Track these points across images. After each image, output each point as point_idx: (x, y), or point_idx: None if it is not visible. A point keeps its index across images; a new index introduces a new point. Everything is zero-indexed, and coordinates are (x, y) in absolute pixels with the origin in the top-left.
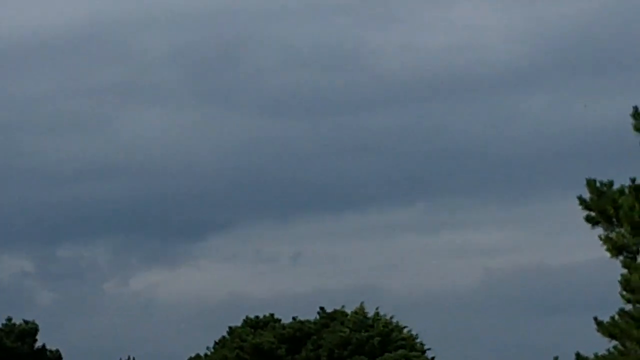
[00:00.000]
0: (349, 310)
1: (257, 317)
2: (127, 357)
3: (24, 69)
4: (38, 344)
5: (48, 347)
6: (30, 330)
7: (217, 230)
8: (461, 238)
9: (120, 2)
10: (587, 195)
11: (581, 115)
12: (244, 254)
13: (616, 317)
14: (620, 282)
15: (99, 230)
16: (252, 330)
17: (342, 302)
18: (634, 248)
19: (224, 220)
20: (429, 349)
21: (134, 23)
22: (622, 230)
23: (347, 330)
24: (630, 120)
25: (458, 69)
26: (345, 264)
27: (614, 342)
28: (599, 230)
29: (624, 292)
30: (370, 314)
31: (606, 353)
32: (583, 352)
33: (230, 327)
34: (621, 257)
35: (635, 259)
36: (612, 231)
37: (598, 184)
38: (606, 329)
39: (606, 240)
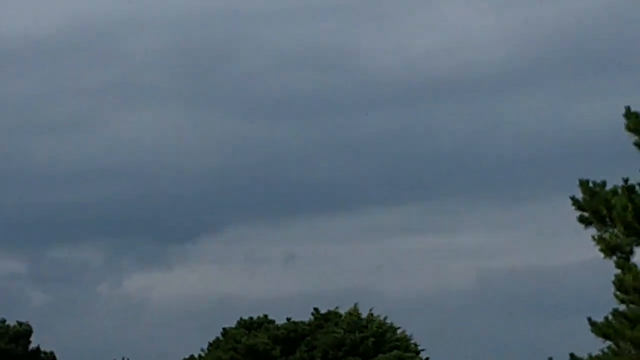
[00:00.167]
0: (342, 311)
1: (251, 318)
2: (120, 359)
3: (17, 70)
4: (32, 346)
5: (42, 348)
6: (24, 332)
7: (210, 231)
8: (455, 239)
9: (113, 4)
10: (579, 195)
11: (573, 116)
12: (237, 256)
13: (610, 317)
14: (614, 283)
15: (91, 232)
16: (246, 331)
17: (336, 303)
18: (628, 248)
19: (217, 222)
20: (423, 350)
21: (127, 25)
22: (616, 230)
23: (341, 331)
24: (623, 120)
25: (451, 71)
26: (338, 265)
27: (608, 343)
28: (592, 231)
29: (618, 293)
30: (364, 314)
31: (600, 354)
32: (577, 353)
33: (224, 329)
34: (615, 258)
35: (628, 259)
36: (605, 232)
37: (591, 185)
38: (600, 329)
39: (599, 240)
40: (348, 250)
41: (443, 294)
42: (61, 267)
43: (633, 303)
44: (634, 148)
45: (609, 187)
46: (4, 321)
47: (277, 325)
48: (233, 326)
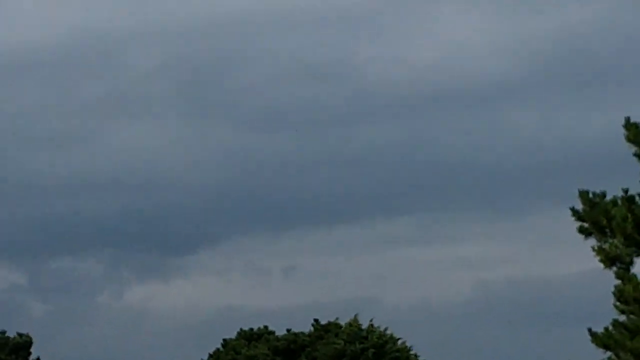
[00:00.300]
0: (343, 322)
1: (251, 329)
2: None
3: (17, 81)
4: (32, 357)
5: None
6: (24, 344)
7: (210, 243)
8: (454, 250)
9: (113, 16)
10: (579, 206)
11: (573, 127)
12: (237, 267)
13: (610, 328)
14: (614, 293)
15: (91, 244)
16: (246, 342)
17: (336, 314)
18: (628, 259)
19: (217, 234)
20: None
21: (127, 37)
22: (615, 241)
23: (342, 342)
24: (622, 131)
25: (448, 83)
26: (338, 277)
27: (609, 353)
28: (592, 242)
29: (618, 303)
30: (365, 325)
31: None
32: None
33: (224, 340)
34: (614, 268)
35: (628, 269)
36: (605, 242)
37: (591, 195)
38: (600, 340)
39: (599, 251)
40: (348, 262)
41: (444, 305)
42: (61, 278)
43: (633, 314)
44: (634, 159)
45: (608, 197)
46: (4, 332)
47: (277, 336)
48: (233, 337)
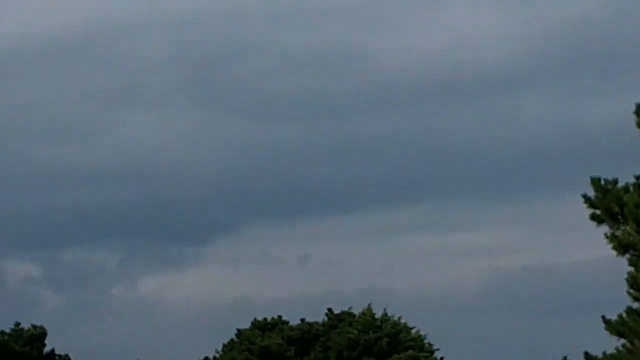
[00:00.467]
0: (356, 312)
1: (265, 319)
2: None
3: (23, 74)
4: (47, 349)
5: (57, 351)
6: (38, 335)
7: (224, 233)
8: (468, 238)
9: (116, 7)
10: (591, 193)
11: (585, 113)
12: (251, 257)
13: (624, 315)
14: (627, 280)
15: (106, 235)
16: (260, 332)
17: (349, 303)
18: None
19: (231, 224)
20: (437, 349)
21: (134, 27)
22: (628, 228)
23: (355, 331)
24: (634, 118)
25: (456, 70)
26: (352, 266)
27: (622, 341)
28: (605, 229)
29: (631, 290)
30: (378, 315)
31: (615, 352)
32: (591, 351)
33: (238, 330)
34: (627, 255)
35: None
36: (617, 229)
37: (603, 182)
38: (614, 327)
39: (612, 238)
40: (362, 251)
41: (457, 293)
42: (76, 270)
43: None
44: None
45: (620, 184)
46: (18, 324)
47: (291, 326)
48: (247, 327)
